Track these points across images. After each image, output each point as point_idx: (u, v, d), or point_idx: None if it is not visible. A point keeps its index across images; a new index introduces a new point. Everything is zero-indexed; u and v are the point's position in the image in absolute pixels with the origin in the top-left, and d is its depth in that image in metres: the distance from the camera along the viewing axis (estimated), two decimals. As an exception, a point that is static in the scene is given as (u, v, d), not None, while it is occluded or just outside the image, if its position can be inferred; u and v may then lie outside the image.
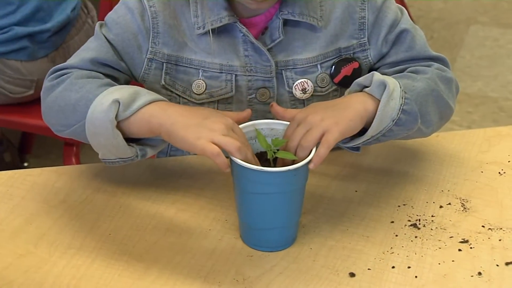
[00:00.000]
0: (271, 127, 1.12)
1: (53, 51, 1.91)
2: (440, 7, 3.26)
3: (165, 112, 1.08)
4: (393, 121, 1.12)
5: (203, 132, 1.05)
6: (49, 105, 1.17)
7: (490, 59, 2.95)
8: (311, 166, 1.05)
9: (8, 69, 1.88)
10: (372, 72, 1.14)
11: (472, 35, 3.10)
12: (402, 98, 1.12)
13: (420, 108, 1.15)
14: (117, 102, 1.08)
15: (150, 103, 1.09)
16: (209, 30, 1.18)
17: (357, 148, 1.16)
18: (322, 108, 1.11)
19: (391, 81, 1.13)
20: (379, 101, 1.11)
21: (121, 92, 1.10)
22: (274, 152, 1.07)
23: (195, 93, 1.22)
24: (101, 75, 1.17)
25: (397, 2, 1.26)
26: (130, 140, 1.11)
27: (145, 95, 1.10)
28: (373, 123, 1.11)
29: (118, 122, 1.09)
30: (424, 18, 3.20)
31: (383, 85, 1.11)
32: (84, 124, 1.11)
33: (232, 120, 1.08)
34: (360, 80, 1.15)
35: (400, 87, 1.13)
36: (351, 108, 1.10)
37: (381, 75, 1.13)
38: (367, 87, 1.13)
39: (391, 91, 1.11)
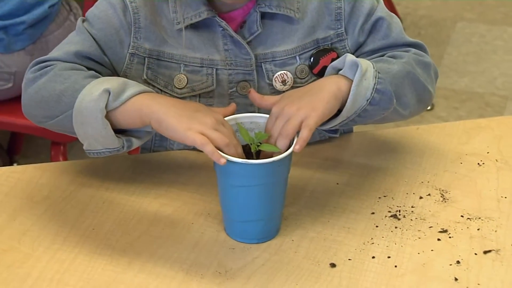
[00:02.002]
0: (252, 120, 1.13)
1: (30, 44, 1.91)
2: (427, 4, 3.28)
3: (157, 101, 1.10)
4: (367, 100, 1.13)
5: (194, 124, 1.06)
6: (31, 97, 1.18)
7: (476, 55, 2.97)
8: (296, 148, 1.06)
9: None
10: (345, 54, 1.16)
11: (459, 31, 3.11)
12: (376, 77, 1.14)
13: (396, 90, 1.16)
14: (107, 91, 1.09)
15: (139, 93, 1.11)
16: (183, 27, 1.19)
17: (334, 131, 1.18)
18: (297, 97, 1.12)
19: (364, 62, 1.14)
20: (352, 81, 1.12)
21: (111, 82, 1.11)
22: (258, 145, 1.08)
23: (177, 88, 1.23)
24: (84, 68, 1.18)
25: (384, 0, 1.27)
26: (115, 131, 1.12)
27: (134, 86, 1.12)
28: (347, 103, 1.12)
29: (107, 112, 1.10)
30: (411, 15, 3.21)
31: (356, 65, 1.13)
32: (69, 114, 1.12)
33: (222, 116, 1.09)
34: (335, 63, 1.17)
35: (374, 68, 1.15)
36: (325, 90, 1.12)
37: (354, 56, 1.15)
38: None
39: (364, 70, 1.13)
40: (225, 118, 1.11)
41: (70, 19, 1.99)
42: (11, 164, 2.33)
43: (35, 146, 2.46)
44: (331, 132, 1.19)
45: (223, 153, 1.05)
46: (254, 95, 1.16)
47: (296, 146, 1.07)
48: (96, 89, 1.10)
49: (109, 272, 1.06)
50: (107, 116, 1.10)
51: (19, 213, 1.16)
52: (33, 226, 1.14)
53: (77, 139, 1.16)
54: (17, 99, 1.93)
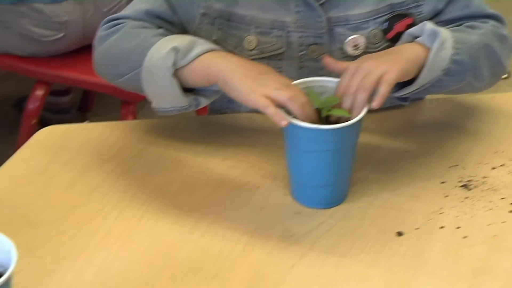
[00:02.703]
0: (321, 84, 1.11)
1: None
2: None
3: (225, 60, 1.09)
4: (443, 70, 1.11)
5: (257, 86, 1.05)
6: (102, 55, 1.19)
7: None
8: (374, 104, 1.04)
9: (34, 12, 1.92)
10: (424, 22, 1.13)
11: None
12: (454, 48, 1.11)
13: (472, 61, 1.13)
14: (175, 49, 1.09)
15: (208, 51, 1.10)
16: None
17: (405, 99, 1.15)
18: (375, 56, 1.11)
19: (443, 31, 1.11)
20: (430, 50, 1.09)
21: (179, 40, 1.11)
22: (328, 110, 1.06)
23: (247, 49, 1.22)
24: (154, 26, 1.18)
25: None
26: (184, 90, 1.12)
27: (203, 43, 1.11)
28: (423, 71, 1.10)
29: (175, 70, 1.10)
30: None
31: (435, 34, 1.10)
32: (138, 72, 1.13)
33: (288, 79, 1.08)
34: (412, 30, 1.14)
35: (452, 38, 1.12)
36: (404, 53, 1.10)
37: (433, 24, 1.12)
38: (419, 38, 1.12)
39: (443, 40, 1.10)
40: (293, 82, 1.09)
41: None
42: (82, 121, 2.38)
43: (106, 104, 2.50)
44: (401, 100, 1.16)
45: (294, 117, 1.03)
46: (328, 59, 1.14)
47: (374, 103, 1.04)
48: (164, 47, 1.10)
49: (175, 232, 1.07)
50: (176, 74, 1.10)
51: (88, 170, 1.18)
52: (102, 183, 1.15)
53: (146, 98, 1.17)
54: (89, 55, 1.98)
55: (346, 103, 1.07)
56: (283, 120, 1.02)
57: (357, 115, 1.05)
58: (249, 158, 1.20)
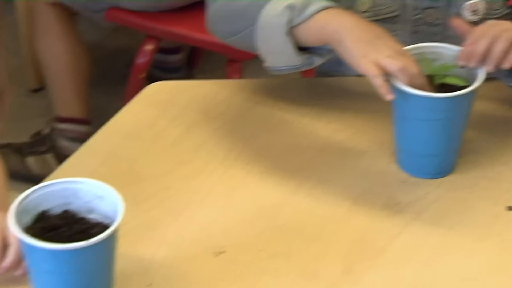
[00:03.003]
0: (436, 50, 1.07)
1: None
2: None
3: (341, 19, 1.06)
4: None
5: (370, 51, 1.02)
6: (216, 12, 1.18)
7: None
8: (507, 65, 1.00)
9: None
10: None
11: None
12: None
13: None
14: (291, 7, 1.08)
15: (324, 9, 1.08)
16: None
17: None
18: (502, 22, 1.05)
19: None
20: None
21: None
22: (442, 77, 1.03)
23: (359, 11, 1.19)
24: None
25: None
26: (298, 48, 1.10)
27: (318, 1, 1.09)
28: None
29: (290, 28, 1.08)
30: None
31: None
32: (252, 30, 1.12)
33: (402, 46, 1.04)
34: None
35: None
36: None
37: None
38: None
39: None
40: (407, 48, 1.06)
41: None
42: (189, 78, 2.41)
43: (212, 62, 2.51)
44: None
45: (404, 83, 1.00)
46: (457, 21, 1.09)
47: (506, 64, 1.00)
48: (279, 4, 1.09)
49: (277, 193, 1.07)
50: (290, 32, 1.08)
51: (195, 126, 1.18)
52: (208, 140, 1.16)
53: (253, 57, 1.16)
54: (199, 12, 1.98)
55: (472, 62, 1.02)
56: (388, 94, 1.00)
57: (491, 68, 1.01)
58: (355, 122, 1.18)
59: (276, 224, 1.02)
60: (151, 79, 1.38)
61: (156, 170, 1.10)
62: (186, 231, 1.00)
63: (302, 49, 1.11)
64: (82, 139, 2.00)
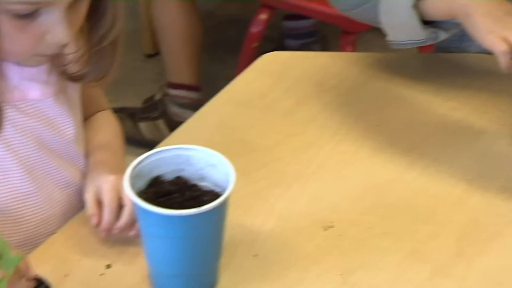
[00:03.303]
0: None
1: None
2: None
3: None
4: None
5: (498, 27, 0.98)
6: None
7: None
8: None
9: None
10: None
11: None
12: None
13: None
14: None
15: None
16: None
17: None
18: None
19: None
20: None
21: None
22: None
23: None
24: None
25: None
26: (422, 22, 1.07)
27: None
28: None
29: (416, 1, 1.05)
30: None
31: None
32: (376, 2, 1.09)
33: None
34: None
35: None
36: None
37: None
38: None
39: None
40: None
41: None
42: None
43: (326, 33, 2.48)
44: None
45: None
46: None
47: None
48: None
49: (389, 170, 1.04)
50: (416, 5, 1.05)
51: (307, 99, 1.17)
52: (319, 113, 1.14)
53: (369, 29, 1.13)
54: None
55: None
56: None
57: None
58: (474, 101, 1.13)
59: (386, 202, 0.99)
60: (283, 49, 1.35)
61: (267, 141, 1.09)
62: (295, 204, 1.00)
63: (427, 22, 1.08)
64: (193, 105, 2.03)
